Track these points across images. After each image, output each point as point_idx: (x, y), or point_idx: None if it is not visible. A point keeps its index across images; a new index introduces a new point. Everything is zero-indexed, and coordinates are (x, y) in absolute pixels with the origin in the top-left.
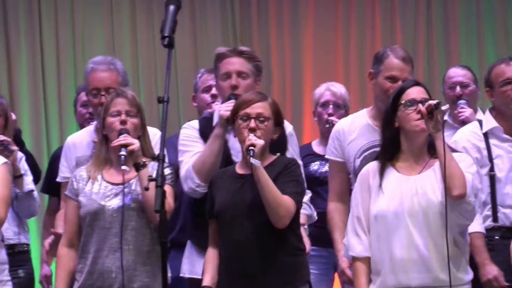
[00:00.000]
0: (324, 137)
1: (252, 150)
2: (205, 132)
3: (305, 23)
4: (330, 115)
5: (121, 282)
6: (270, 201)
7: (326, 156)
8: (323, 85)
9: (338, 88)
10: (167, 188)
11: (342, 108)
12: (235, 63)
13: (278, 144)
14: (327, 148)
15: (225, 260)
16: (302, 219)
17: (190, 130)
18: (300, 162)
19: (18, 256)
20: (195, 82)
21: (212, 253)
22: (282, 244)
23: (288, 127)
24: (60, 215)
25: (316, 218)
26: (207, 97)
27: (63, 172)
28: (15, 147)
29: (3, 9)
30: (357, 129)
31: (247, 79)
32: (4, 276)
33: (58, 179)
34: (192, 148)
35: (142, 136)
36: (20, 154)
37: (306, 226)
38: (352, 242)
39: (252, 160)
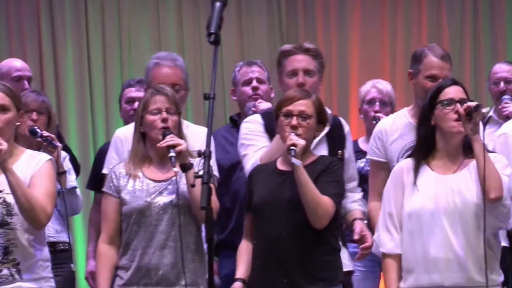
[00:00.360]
0: (370, 134)
1: (294, 149)
2: (270, 127)
3: (351, 19)
4: (376, 112)
5: (168, 279)
6: (309, 201)
7: (368, 157)
8: (369, 82)
9: (384, 85)
10: (213, 185)
11: (388, 105)
12: (302, 61)
13: (336, 142)
14: (368, 148)
15: (260, 254)
16: (360, 214)
17: (254, 124)
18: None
19: (59, 254)
20: (234, 75)
21: (245, 246)
22: (318, 243)
23: (346, 126)
24: None
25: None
26: (248, 90)
27: (112, 164)
28: (58, 143)
29: (49, 5)
30: (399, 128)
31: (313, 77)
32: (47, 273)
33: (105, 171)
34: (256, 143)
35: (178, 133)
36: (64, 154)
37: (366, 221)
38: (383, 238)
39: (293, 160)
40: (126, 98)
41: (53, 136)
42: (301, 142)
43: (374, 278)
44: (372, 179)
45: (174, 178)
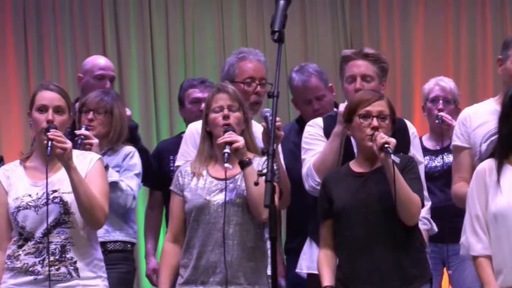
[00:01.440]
0: (434, 132)
1: (389, 147)
2: (329, 131)
3: (415, 21)
4: (439, 110)
5: (226, 277)
6: (403, 199)
7: (453, 143)
8: (432, 80)
9: (447, 83)
10: (276, 184)
11: (452, 103)
12: (360, 66)
13: (400, 144)
14: (453, 134)
15: (349, 259)
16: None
17: (314, 128)
18: (424, 163)
19: (110, 255)
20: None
21: (326, 255)
22: (409, 240)
23: (411, 128)
24: None
25: (437, 230)
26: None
27: (190, 155)
28: (93, 140)
29: (113, 5)
30: (484, 114)
31: (371, 82)
32: (102, 273)
33: (178, 163)
34: (315, 147)
35: (246, 130)
36: (128, 150)
37: (428, 250)
38: (471, 241)
39: (393, 157)
40: (191, 98)
41: (86, 133)
42: (393, 140)
43: (437, 276)
44: (456, 165)
45: (237, 176)
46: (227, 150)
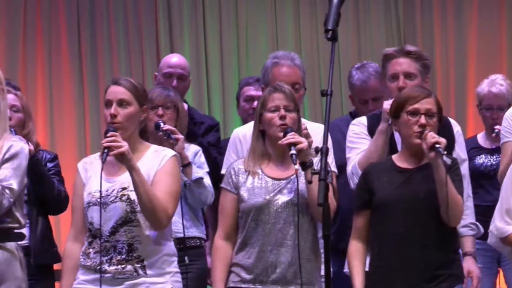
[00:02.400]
0: (489, 132)
1: (440, 147)
2: (373, 129)
3: (468, 16)
4: (494, 120)
5: (285, 278)
6: (451, 201)
7: (502, 141)
8: (485, 84)
9: (499, 88)
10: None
11: (506, 108)
12: (403, 64)
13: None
14: (501, 131)
15: (383, 253)
16: (471, 247)
17: (359, 127)
18: (467, 161)
19: (190, 251)
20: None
21: (357, 249)
22: (446, 241)
23: (455, 126)
24: None
25: (483, 231)
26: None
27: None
28: (179, 136)
29: (167, 5)
30: None
31: (414, 80)
32: (173, 268)
33: (223, 171)
34: (359, 145)
35: (297, 130)
36: (196, 148)
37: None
38: (500, 226)
39: (445, 157)
40: (245, 96)
41: (173, 129)
42: (443, 140)
43: (492, 274)
44: (505, 159)
45: (293, 176)
46: (293, 151)
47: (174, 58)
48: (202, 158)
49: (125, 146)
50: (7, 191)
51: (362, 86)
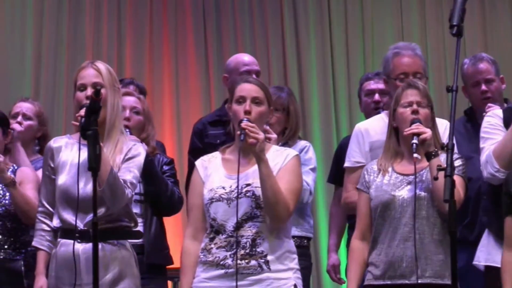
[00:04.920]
0: None
1: None
2: (509, 122)
3: None
4: None
5: (412, 271)
6: None
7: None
8: None
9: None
10: (457, 179)
11: None
12: None
13: None
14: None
15: None
16: None
17: (494, 118)
18: None
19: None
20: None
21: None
22: None
23: None
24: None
25: None
26: (478, 91)
27: (354, 157)
28: (273, 135)
29: (292, 2)
30: None
31: None
32: (295, 265)
33: (347, 164)
34: (494, 136)
35: (432, 129)
36: (305, 143)
37: None
38: None
39: None
40: (365, 90)
41: (266, 128)
42: None
43: None
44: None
45: (422, 171)
46: (415, 141)
47: (246, 57)
48: (307, 155)
49: (262, 135)
50: (128, 184)
51: (474, 68)
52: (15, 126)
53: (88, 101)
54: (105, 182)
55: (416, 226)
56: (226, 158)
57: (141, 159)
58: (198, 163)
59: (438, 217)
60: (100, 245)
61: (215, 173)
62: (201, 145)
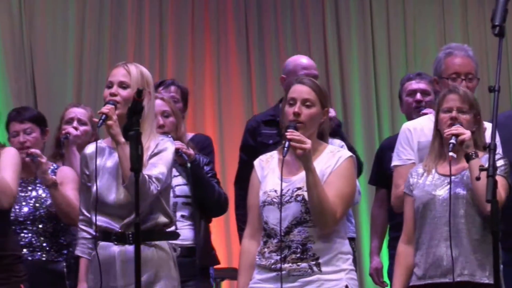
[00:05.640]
0: None
1: None
2: None
3: None
4: None
5: (453, 270)
6: None
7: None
8: None
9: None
10: (499, 179)
11: None
12: None
13: None
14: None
15: None
16: None
17: None
18: None
19: None
20: None
21: None
22: None
23: None
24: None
25: None
26: None
27: (405, 155)
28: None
29: (334, 5)
30: None
31: None
32: (348, 265)
33: (396, 163)
34: None
35: (477, 131)
36: (340, 142)
37: None
38: None
39: None
40: (407, 91)
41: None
42: None
43: None
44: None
45: (463, 171)
46: (452, 140)
47: (305, 60)
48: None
49: (308, 144)
50: (154, 179)
51: None
52: (71, 130)
53: (112, 98)
54: (128, 178)
55: (455, 225)
56: (284, 159)
57: (169, 153)
58: (256, 163)
59: (477, 217)
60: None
61: (270, 174)
62: (253, 143)
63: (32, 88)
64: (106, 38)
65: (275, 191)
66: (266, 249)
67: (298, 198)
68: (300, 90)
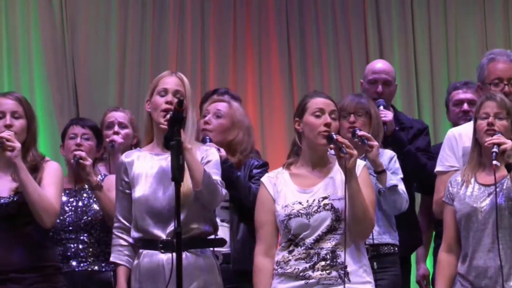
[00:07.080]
0: None
1: None
2: None
3: None
4: None
5: (497, 281)
6: None
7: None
8: None
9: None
10: None
11: None
12: None
13: None
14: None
15: None
16: None
17: None
18: None
19: (382, 257)
20: None
21: None
22: None
23: None
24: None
25: None
26: None
27: (448, 161)
28: (374, 143)
29: (375, 9)
30: None
31: None
32: (370, 278)
33: (439, 168)
34: None
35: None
36: (391, 153)
37: None
38: None
39: None
40: (454, 101)
41: (368, 135)
42: None
43: None
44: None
45: (503, 180)
46: (495, 149)
47: (379, 64)
48: (397, 164)
49: (355, 151)
50: (219, 182)
51: None
52: (116, 138)
53: (167, 106)
54: (201, 182)
55: (499, 236)
56: (294, 173)
57: (217, 162)
58: (265, 180)
59: None
60: (183, 255)
61: (286, 189)
62: None
63: (75, 98)
64: (148, 47)
65: (300, 203)
66: (291, 257)
67: (327, 207)
68: (324, 102)
